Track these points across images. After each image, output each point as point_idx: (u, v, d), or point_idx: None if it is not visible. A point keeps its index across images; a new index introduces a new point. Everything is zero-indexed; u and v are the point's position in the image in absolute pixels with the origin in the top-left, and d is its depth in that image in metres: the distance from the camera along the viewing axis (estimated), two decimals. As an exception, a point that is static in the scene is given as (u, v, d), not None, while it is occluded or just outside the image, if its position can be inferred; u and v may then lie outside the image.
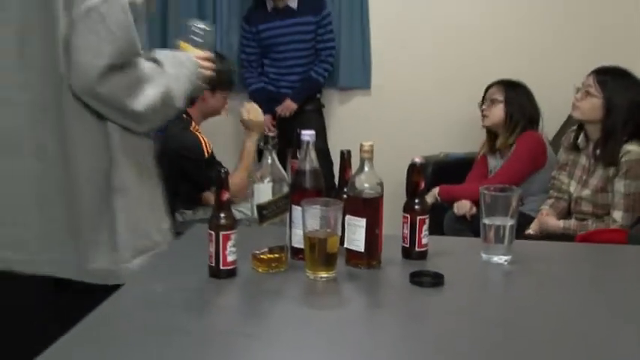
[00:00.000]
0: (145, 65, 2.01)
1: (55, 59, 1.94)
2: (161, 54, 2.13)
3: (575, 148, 3.82)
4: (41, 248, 2.06)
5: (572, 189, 3.79)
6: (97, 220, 2.05)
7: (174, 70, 2.11)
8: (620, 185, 3.56)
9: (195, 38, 2.29)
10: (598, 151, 3.67)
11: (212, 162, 3.51)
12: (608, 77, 3.67)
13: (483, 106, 4.32)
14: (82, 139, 2.02)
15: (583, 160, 3.77)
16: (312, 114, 4.93)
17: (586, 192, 3.69)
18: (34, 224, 2.06)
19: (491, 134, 4.37)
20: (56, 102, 2.00)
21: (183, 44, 2.28)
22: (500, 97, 4.26)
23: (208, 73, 2.26)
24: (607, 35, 4.92)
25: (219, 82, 3.56)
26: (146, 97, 1.99)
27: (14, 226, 2.08)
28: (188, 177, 3.49)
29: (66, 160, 2.02)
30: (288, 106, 4.83)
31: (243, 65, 4.94)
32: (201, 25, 2.31)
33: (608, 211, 3.63)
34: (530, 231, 3.80)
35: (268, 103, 4.81)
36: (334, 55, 4.97)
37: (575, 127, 3.87)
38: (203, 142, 3.50)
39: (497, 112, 4.26)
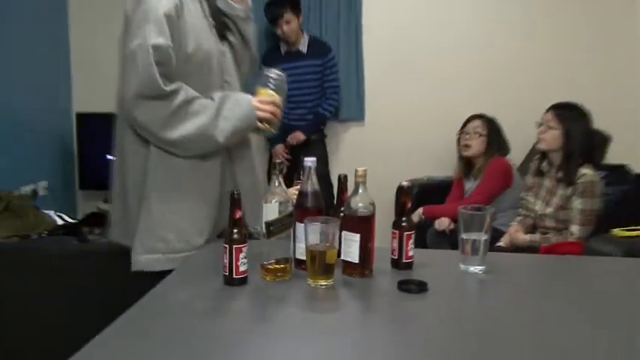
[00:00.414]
0: (192, 101, 2.16)
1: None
2: (221, 94, 2.24)
3: (539, 173, 3.88)
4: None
5: (537, 207, 3.82)
6: (135, 218, 2.27)
7: (229, 109, 2.21)
8: (577, 203, 3.61)
9: (269, 84, 2.34)
10: (559, 174, 3.71)
11: None
12: (564, 111, 3.75)
13: (467, 137, 4.35)
14: (130, 160, 2.29)
15: (547, 182, 3.81)
16: (317, 143, 4.94)
17: (549, 209, 3.72)
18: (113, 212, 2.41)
19: (466, 161, 4.40)
20: (121, 129, 2.33)
21: (260, 90, 2.34)
22: (483, 131, 4.31)
23: (265, 114, 2.30)
24: (564, 81, 4.94)
25: None
26: (182, 128, 2.15)
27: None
28: None
29: (122, 173, 2.33)
30: (297, 137, 4.84)
31: None
32: (274, 74, 2.36)
33: (567, 226, 3.64)
34: (502, 244, 3.80)
35: (281, 134, 4.84)
36: (339, 93, 4.98)
37: (539, 156, 3.91)
38: None
39: (480, 144, 4.30)
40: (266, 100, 2.31)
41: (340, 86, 5.01)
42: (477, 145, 4.32)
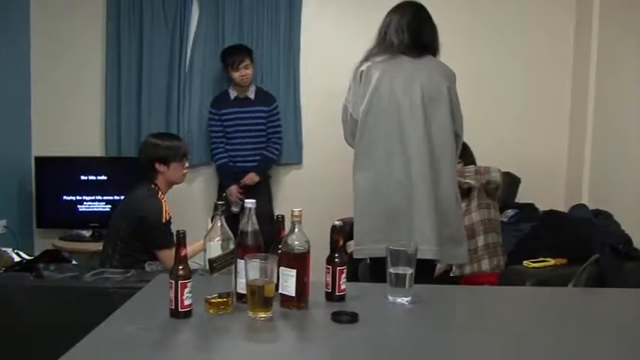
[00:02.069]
0: None
1: None
2: None
3: None
4: None
5: None
6: None
7: None
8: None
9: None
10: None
11: (167, 227, 3.43)
12: None
13: None
14: None
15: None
16: (263, 183, 4.91)
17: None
18: None
19: None
20: None
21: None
22: None
23: None
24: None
25: (171, 157, 3.51)
26: None
27: None
28: (143, 236, 3.40)
29: None
30: (252, 178, 4.80)
31: (212, 142, 4.91)
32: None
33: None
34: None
35: (232, 175, 4.82)
36: (282, 138, 4.98)
37: None
38: (164, 209, 3.43)
39: None
40: None
41: (282, 133, 5.02)
42: None
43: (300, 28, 5.05)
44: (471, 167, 3.74)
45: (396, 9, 3.08)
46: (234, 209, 4.60)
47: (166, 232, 3.39)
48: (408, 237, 2.82)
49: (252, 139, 4.85)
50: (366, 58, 3.04)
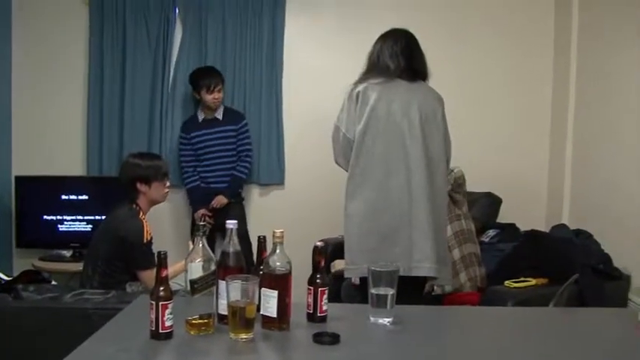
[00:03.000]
0: None
1: None
2: None
3: None
4: None
5: None
6: None
7: None
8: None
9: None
10: None
11: (148, 248, 3.42)
12: None
13: None
14: None
15: None
16: (235, 205, 4.90)
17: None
18: None
19: None
20: None
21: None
22: None
23: None
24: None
25: (152, 177, 3.51)
26: None
27: None
28: (124, 256, 3.38)
29: None
30: (220, 201, 4.79)
31: (182, 166, 4.91)
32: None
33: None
34: None
35: (203, 197, 4.81)
36: (251, 156, 4.97)
37: None
38: (145, 229, 3.42)
39: None
40: None
41: (258, 152, 5.03)
42: None
43: (283, 48, 5.06)
44: None
45: (388, 35, 3.23)
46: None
47: (147, 252, 3.38)
48: (405, 255, 2.97)
49: (224, 159, 4.85)
50: (362, 80, 3.15)
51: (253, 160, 5.01)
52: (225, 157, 4.85)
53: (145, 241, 3.38)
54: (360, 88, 3.11)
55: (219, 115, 4.87)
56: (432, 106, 3.15)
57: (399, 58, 3.14)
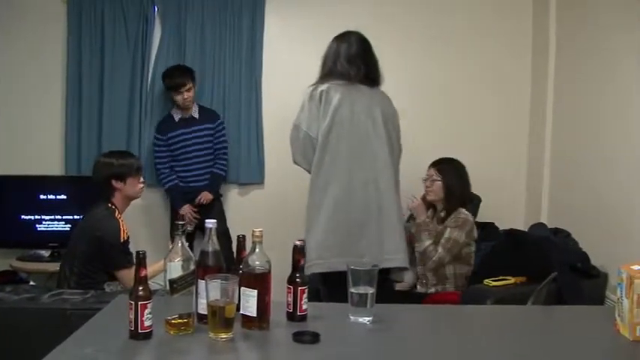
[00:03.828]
0: None
1: None
2: None
3: None
4: None
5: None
6: None
7: None
8: (447, 231, 3.77)
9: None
10: (442, 214, 3.91)
11: (125, 247, 3.40)
12: (443, 164, 3.97)
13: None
14: None
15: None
16: (216, 202, 4.89)
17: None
18: None
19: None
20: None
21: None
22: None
23: None
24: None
25: (127, 173, 3.49)
26: None
27: None
28: (101, 256, 3.36)
29: None
30: (206, 196, 4.78)
31: (157, 167, 4.87)
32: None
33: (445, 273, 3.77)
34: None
35: (183, 195, 4.80)
36: (227, 153, 4.96)
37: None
38: (122, 229, 3.40)
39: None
40: None
41: (238, 151, 5.02)
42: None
43: (262, 47, 5.05)
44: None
45: (342, 38, 3.41)
46: (190, 228, 4.53)
47: (125, 251, 3.36)
48: (373, 248, 3.13)
49: (201, 158, 4.84)
50: (322, 81, 3.29)
51: (230, 159, 5.00)
52: (203, 156, 4.84)
53: (121, 240, 3.36)
54: (324, 87, 3.26)
55: (195, 113, 4.84)
56: (392, 110, 3.42)
57: (357, 63, 3.33)
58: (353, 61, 3.33)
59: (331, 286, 2.97)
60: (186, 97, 4.71)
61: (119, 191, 3.50)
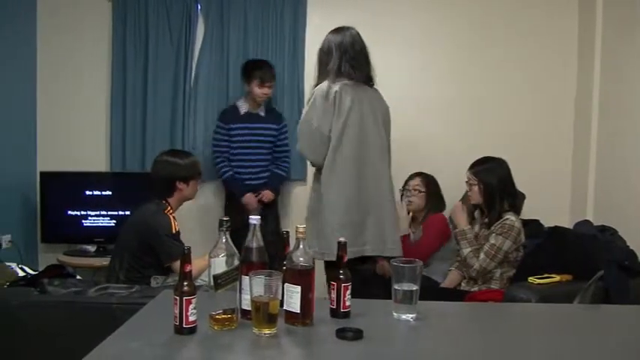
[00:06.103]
0: None
1: None
2: None
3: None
4: None
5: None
6: None
7: None
8: (491, 237, 3.69)
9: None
10: (485, 220, 3.85)
11: (177, 238, 3.43)
12: (477, 167, 3.85)
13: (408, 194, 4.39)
14: None
15: (476, 229, 3.87)
16: (272, 202, 4.86)
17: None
18: None
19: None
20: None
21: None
22: (422, 188, 4.36)
23: None
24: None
25: (191, 176, 3.53)
26: None
27: None
28: (154, 249, 3.39)
29: None
30: (268, 195, 4.76)
31: (216, 156, 4.83)
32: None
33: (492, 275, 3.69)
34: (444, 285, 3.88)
35: (241, 186, 4.75)
36: (289, 157, 4.94)
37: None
38: (173, 222, 3.43)
39: (419, 201, 4.36)
40: None
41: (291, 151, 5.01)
42: (416, 200, 4.34)
43: (304, 41, 5.04)
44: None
45: (341, 33, 3.56)
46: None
47: (178, 242, 3.38)
48: (376, 239, 3.50)
49: (260, 157, 4.81)
50: (333, 80, 3.48)
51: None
52: (261, 155, 4.81)
53: (173, 231, 3.39)
54: (337, 88, 3.44)
55: (262, 111, 4.82)
56: (386, 107, 3.68)
57: (361, 62, 3.54)
58: (358, 60, 3.54)
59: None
60: (266, 92, 4.70)
61: (179, 191, 3.54)
